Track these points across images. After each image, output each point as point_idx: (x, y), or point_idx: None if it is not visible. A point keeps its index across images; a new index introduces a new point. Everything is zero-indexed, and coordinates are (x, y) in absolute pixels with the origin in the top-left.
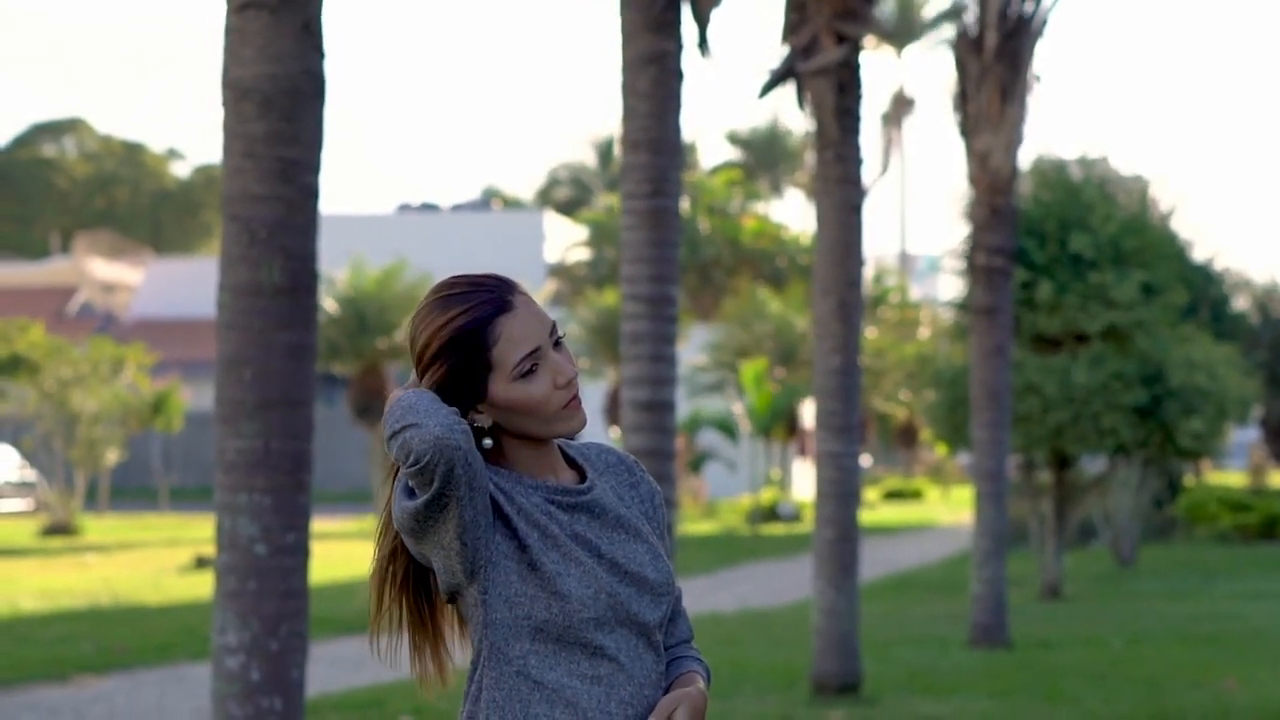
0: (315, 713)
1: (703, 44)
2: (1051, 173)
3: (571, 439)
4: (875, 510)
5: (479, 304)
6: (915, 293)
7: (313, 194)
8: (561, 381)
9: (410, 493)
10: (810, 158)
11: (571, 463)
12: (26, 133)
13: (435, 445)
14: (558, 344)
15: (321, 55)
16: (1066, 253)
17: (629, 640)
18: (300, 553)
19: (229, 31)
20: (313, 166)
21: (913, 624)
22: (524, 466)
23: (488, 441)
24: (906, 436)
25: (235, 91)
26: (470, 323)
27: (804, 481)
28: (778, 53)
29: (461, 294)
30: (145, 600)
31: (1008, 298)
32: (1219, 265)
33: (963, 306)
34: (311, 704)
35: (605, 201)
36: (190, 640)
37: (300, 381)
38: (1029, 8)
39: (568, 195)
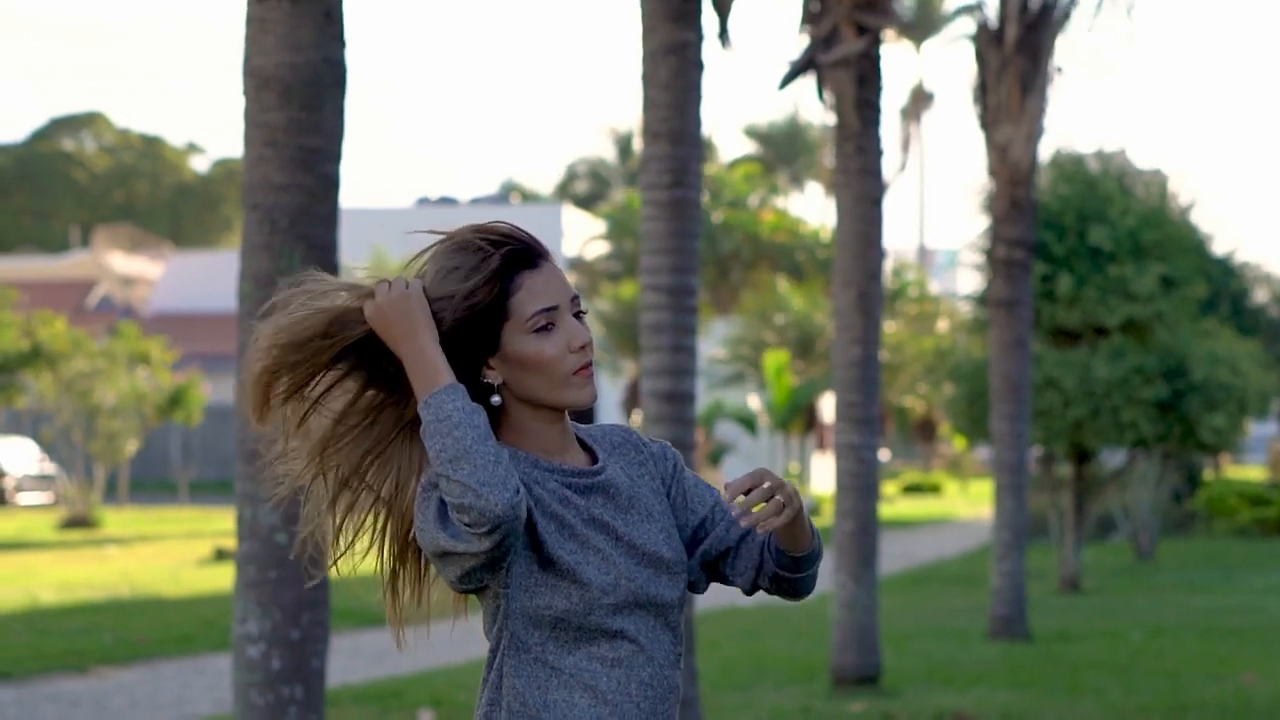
0: (335, 703)
1: (723, 35)
2: (1069, 166)
3: (583, 415)
4: (894, 504)
5: (506, 251)
6: (934, 287)
7: (334, 183)
8: (575, 345)
9: (444, 515)
10: (830, 151)
11: (583, 445)
12: (45, 127)
13: (498, 520)
14: (579, 315)
15: (342, 44)
16: (1085, 245)
17: (647, 622)
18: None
19: (250, 20)
20: (334, 156)
21: (932, 617)
22: (539, 445)
23: (496, 399)
24: (925, 430)
25: (256, 80)
26: (493, 269)
27: (823, 475)
28: (797, 45)
29: (493, 240)
30: (165, 592)
31: (1028, 290)
32: (1239, 259)
33: (982, 300)
34: (331, 695)
35: (624, 195)
36: (210, 632)
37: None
38: None
39: (586, 189)
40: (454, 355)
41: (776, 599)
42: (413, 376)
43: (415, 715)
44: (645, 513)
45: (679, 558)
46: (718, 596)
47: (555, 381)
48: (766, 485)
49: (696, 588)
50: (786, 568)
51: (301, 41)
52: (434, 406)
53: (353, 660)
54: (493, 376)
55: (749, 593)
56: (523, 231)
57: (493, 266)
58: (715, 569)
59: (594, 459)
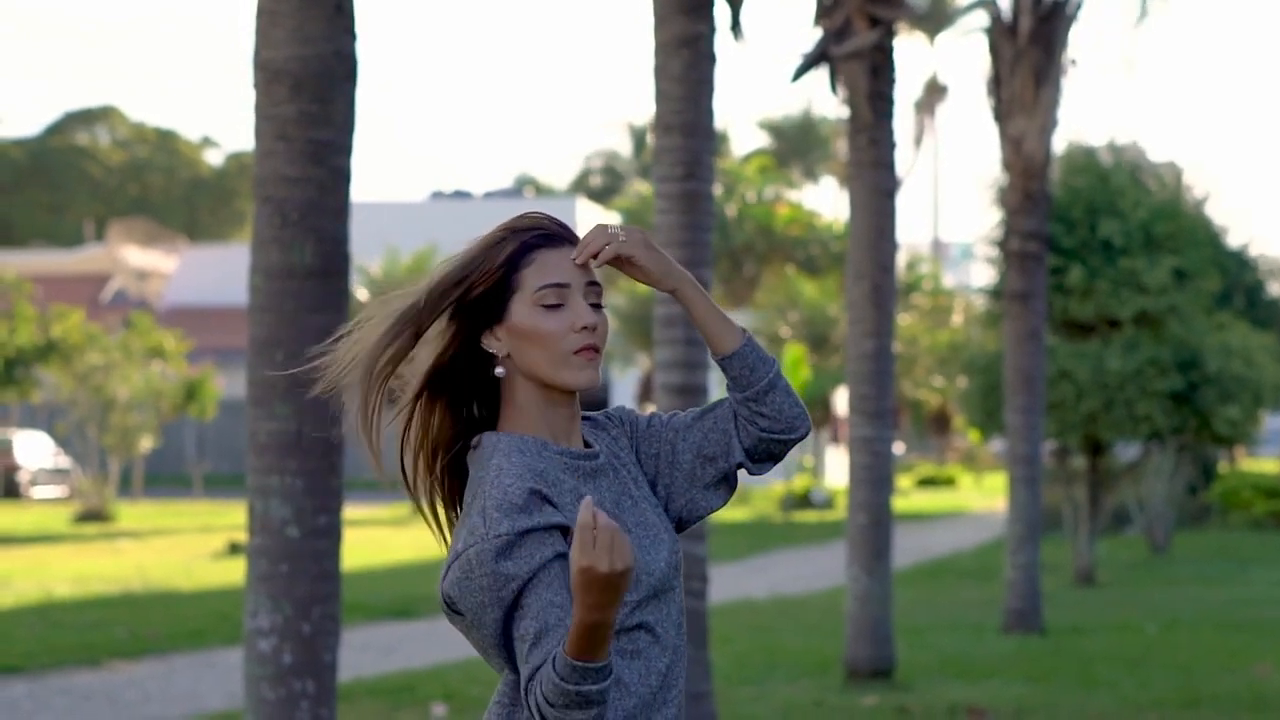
0: (347, 697)
1: (735, 27)
2: (1081, 159)
3: (588, 402)
4: (908, 497)
5: (529, 229)
6: (948, 280)
7: (344, 176)
8: (578, 324)
9: (507, 633)
10: (843, 143)
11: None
12: (59, 121)
13: None
14: (596, 306)
15: (353, 36)
16: (1096, 238)
17: (660, 610)
18: (333, 535)
19: (261, 13)
20: (344, 148)
21: (946, 610)
22: (546, 428)
23: (499, 370)
24: (939, 423)
25: (267, 73)
26: (503, 239)
27: (837, 468)
28: (810, 37)
29: (517, 223)
30: (178, 586)
31: (1041, 283)
32: (1254, 251)
33: (996, 293)
34: (343, 689)
35: (639, 188)
36: (223, 625)
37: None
38: None
39: (601, 183)
40: (463, 325)
41: (790, 591)
42: (580, 625)
43: (428, 709)
44: (638, 492)
45: (672, 531)
46: (731, 591)
47: (555, 358)
48: (609, 229)
49: (705, 509)
50: (741, 384)
51: (312, 34)
52: (580, 675)
53: (365, 654)
54: (496, 346)
55: (753, 458)
56: (553, 219)
57: (505, 238)
58: (715, 473)
59: (586, 443)
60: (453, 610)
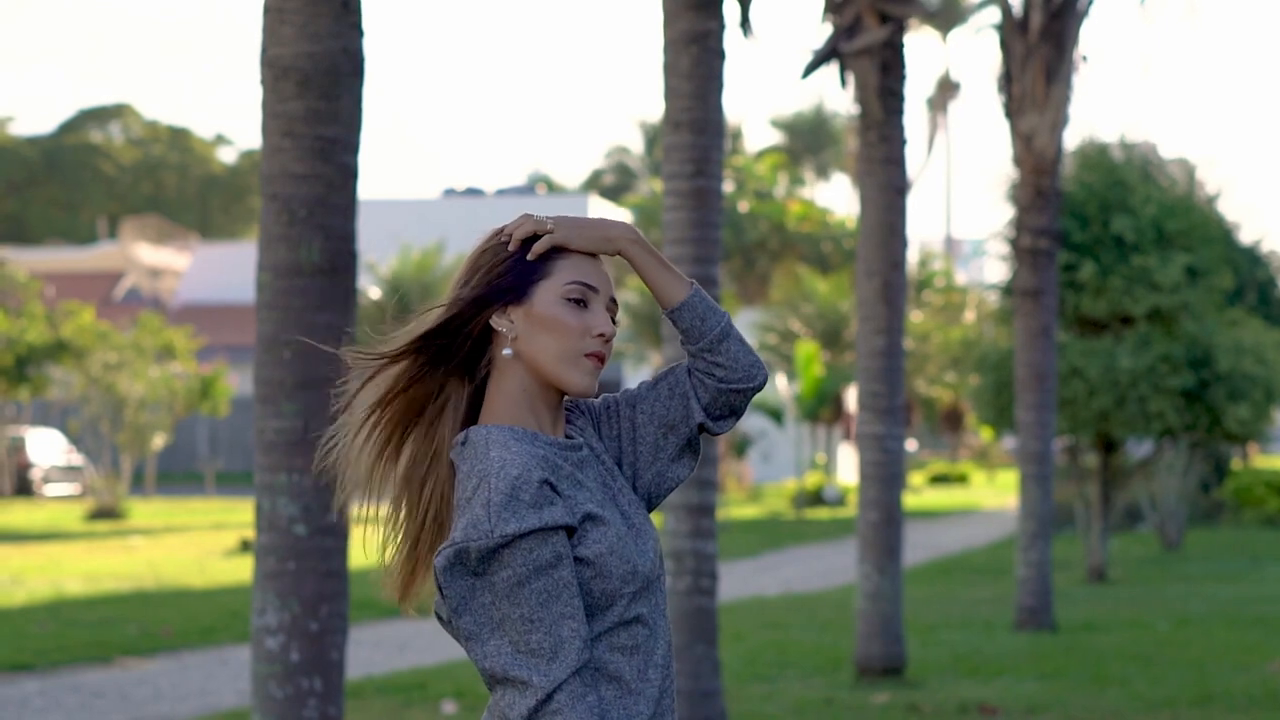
0: (357, 695)
1: (744, 23)
2: (1093, 155)
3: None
4: (920, 494)
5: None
6: (960, 277)
7: (352, 173)
8: (596, 330)
9: (484, 621)
10: (854, 140)
11: None
12: (73, 119)
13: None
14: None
15: (360, 34)
16: (1109, 234)
17: (649, 601)
18: (340, 533)
19: (268, 10)
20: (352, 145)
21: (957, 607)
22: (536, 420)
23: (507, 351)
24: (952, 420)
25: (274, 70)
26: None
27: (849, 466)
28: (820, 34)
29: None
30: (190, 583)
31: (1053, 279)
32: (1266, 248)
33: (1007, 290)
34: (353, 686)
35: (651, 186)
36: (234, 622)
37: (340, 361)
38: None
39: (613, 180)
40: (482, 294)
41: (802, 588)
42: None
43: (438, 706)
44: (615, 484)
45: (650, 520)
46: (743, 589)
47: (566, 352)
48: (535, 218)
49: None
50: (694, 336)
51: (319, 31)
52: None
53: (375, 652)
54: (506, 327)
55: (713, 415)
56: None
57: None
58: (678, 441)
59: (568, 435)
60: (439, 593)
